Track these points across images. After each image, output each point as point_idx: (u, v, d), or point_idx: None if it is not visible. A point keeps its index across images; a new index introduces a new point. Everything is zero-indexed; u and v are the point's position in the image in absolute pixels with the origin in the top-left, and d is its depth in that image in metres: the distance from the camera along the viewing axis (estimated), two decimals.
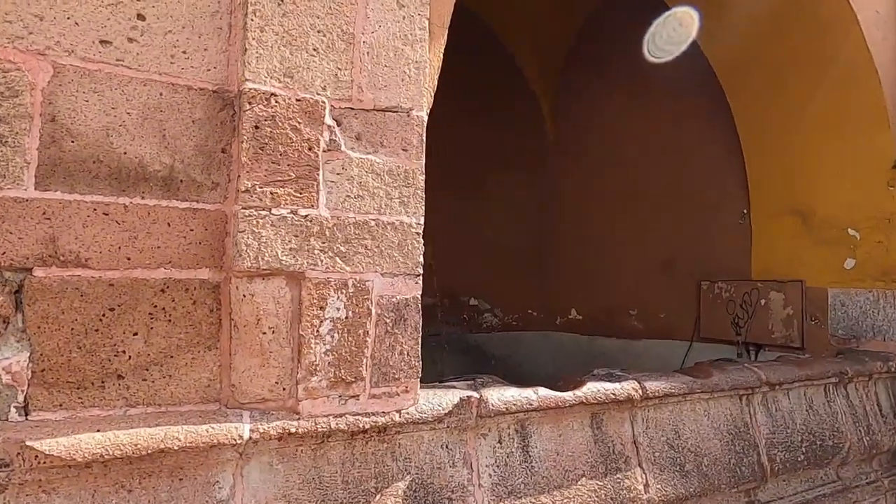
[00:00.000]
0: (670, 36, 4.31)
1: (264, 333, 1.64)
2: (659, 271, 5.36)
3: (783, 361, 3.18)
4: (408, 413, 1.83)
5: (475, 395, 2.01)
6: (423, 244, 1.91)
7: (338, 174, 1.75)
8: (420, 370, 1.87)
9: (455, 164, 5.90)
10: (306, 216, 1.69)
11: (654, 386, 2.42)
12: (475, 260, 6.02)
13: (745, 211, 4.63)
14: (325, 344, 1.71)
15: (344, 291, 1.74)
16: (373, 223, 1.80)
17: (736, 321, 4.61)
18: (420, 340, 1.88)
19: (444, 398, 1.94)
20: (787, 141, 4.23)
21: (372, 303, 1.79)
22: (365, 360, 1.77)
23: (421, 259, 1.88)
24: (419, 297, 1.87)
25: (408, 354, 1.84)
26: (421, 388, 1.97)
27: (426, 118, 1.90)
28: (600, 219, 5.94)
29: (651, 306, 5.43)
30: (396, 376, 1.82)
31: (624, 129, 5.68)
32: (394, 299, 1.82)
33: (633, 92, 5.51)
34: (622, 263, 5.71)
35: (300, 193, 1.68)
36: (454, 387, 2.05)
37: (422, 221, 1.88)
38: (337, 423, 1.71)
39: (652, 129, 5.39)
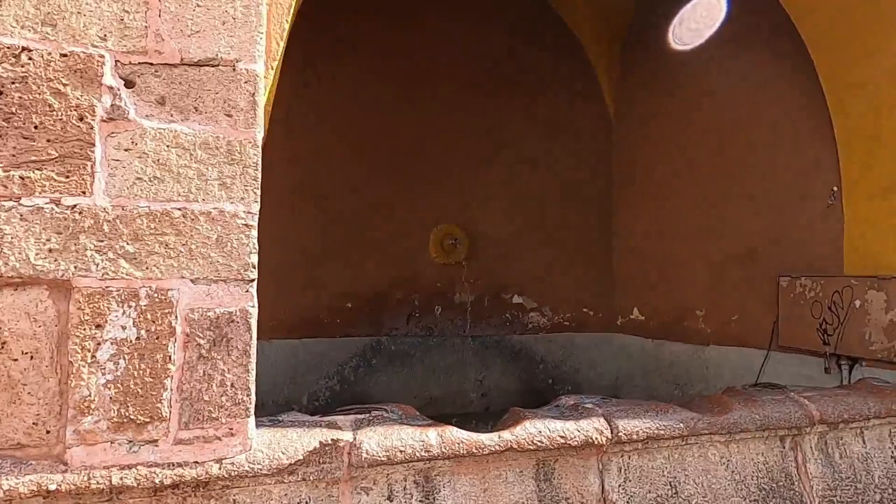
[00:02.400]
0: (699, 20, 3.52)
1: (15, 360, 1.26)
2: (732, 265, 4.47)
3: (858, 388, 2.34)
4: (232, 463, 1.38)
5: (345, 438, 1.51)
6: (255, 241, 1.44)
7: (126, 151, 1.34)
8: (252, 405, 1.42)
9: (503, 144, 5.35)
10: (74, 207, 1.29)
11: (630, 426, 1.78)
12: (519, 252, 5.42)
13: (834, 189, 3.66)
14: (104, 373, 1.30)
15: (133, 304, 1.33)
16: (178, 214, 1.36)
17: (823, 327, 3.67)
18: (253, 368, 1.42)
19: (296, 442, 1.47)
20: (891, 90, 3.24)
21: (177, 318, 1.36)
22: (167, 395, 1.35)
23: (253, 259, 1.41)
24: (252, 309, 1.41)
25: (233, 386, 1.39)
26: (273, 426, 1.52)
27: (262, 72, 1.43)
28: (666, 205, 5.10)
29: (722, 307, 4.54)
30: (215, 415, 1.38)
31: (691, 104, 4.80)
32: (211, 313, 1.38)
33: (700, 60, 4.62)
34: (690, 256, 4.85)
35: (66, 178, 1.29)
36: (319, 424, 1.56)
37: (254, 209, 1.42)
38: (124, 478, 1.30)
39: (723, 101, 4.49)
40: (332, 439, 1.50)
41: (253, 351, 1.42)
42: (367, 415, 1.67)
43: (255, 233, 1.42)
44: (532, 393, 5.44)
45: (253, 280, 1.42)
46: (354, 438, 1.52)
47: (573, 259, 5.59)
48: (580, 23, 5.55)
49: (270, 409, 4.73)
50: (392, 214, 5.08)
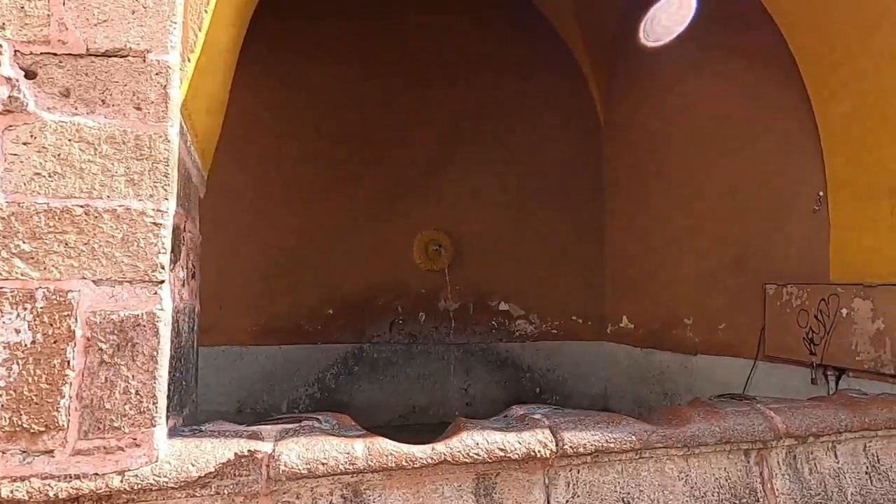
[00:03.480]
0: (671, 17, 3.46)
1: None
2: (719, 273, 4.36)
3: (832, 400, 2.23)
4: (136, 475, 1.30)
5: (264, 449, 1.43)
6: (171, 240, 1.37)
7: (24, 144, 1.27)
8: (159, 414, 1.34)
9: (490, 149, 5.28)
10: None
11: (577, 438, 1.69)
12: (506, 258, 5.33)
13: (820, 194, 3.55)
14: None
15: (28, 306, 1.26)
16: (79, 211, 1.29)
17: (810, 336, 3.55)
18: (162, 374, 1.34)
19: (209, 454, 1.39)
20: (878, 91, 3.14)
21: (77, 321, 1.28)
22: (64, 402, 1.27)
23: (162, 260, 1.34)
24: (160, 312, 1.34)
25: (138, 393, 1.32)
26: (190, 437, 1.44)
27: (175, 63, 1.37)
28: (654, 212, 5.00)
29: (709, 315, 4.43)
30: (117, 424, 1.30)
31: (676, 109, 4.72)
32: (115, 317, 1.31)
33: (684, 63, 4.54)
34: (678, 263, 4.75)
35: None
36: (241, 434, 1.48)
37: (166, 207, 1.35)
38: (15, 491, 1.23)
39: (708, 105, 4.40)
40: (248, 451, 1.42)
41: (162, 357, 1.34)
42: (297, 425, 1.59)
43: (166, 231, 1.35)
44: (518, 402, 5.29)
45: (162, 281, 1.34)
46: (274, 450, 1.44)
47: (562, 266, 5.49)
48: (569, 27, 5.49)
49: (248, 417, 4.67)
50: (375, 219, 5.01)
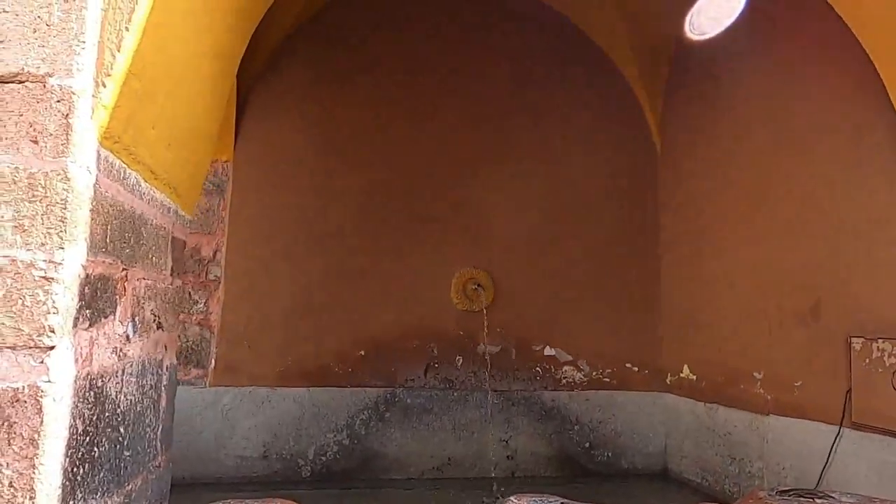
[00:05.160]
0: (719, 9, 3.09)
1: None
2: (794, 321, 3.79)
3: None
4: None
5: None
6: (74, 297, 1.14)
7: None
8: None
9: (534, 182, 4.96)
10: None
11: None
12: (551, 299, 4.93)
13: None
14: None
15: None
16: None
17: None
18: (47, 462, 1.10)
19: None
20: None
21: None
22: None
23: (52, 321, 1.11)
24: (47, 386, 1.10)
25: (12, 485, 1.08)
26: None
27: (81, 88, 1.16)
28: (717, 248, 4.49)
29: (783, 370, 3.85)
30: None
31: (742, 135, 4.24)
32: None
33: (754, 73, 4.09)
34: (745, 308, 4.20)
35: None
36: None
37: (60, 258, 1.13)
38: None
39: (781, 124, 3.91)
40: None
41: (46, 440, 1.10)
42: None
43: (60, 287, 1.13)
44: (565, 458, 4.85)
45: (51, 348, 1.11)
46: None
47: (615, 308, 5.02)
48: (622, 52, 5.14)
49: (274, 464, 4.45)
50: (410, 257, 4.77)
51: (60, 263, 1.13)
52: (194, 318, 4.37)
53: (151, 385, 1.76)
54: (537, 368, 4.93)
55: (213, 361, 4.39)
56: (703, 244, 4.63)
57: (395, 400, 4.69)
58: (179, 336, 4.30)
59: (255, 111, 4.78)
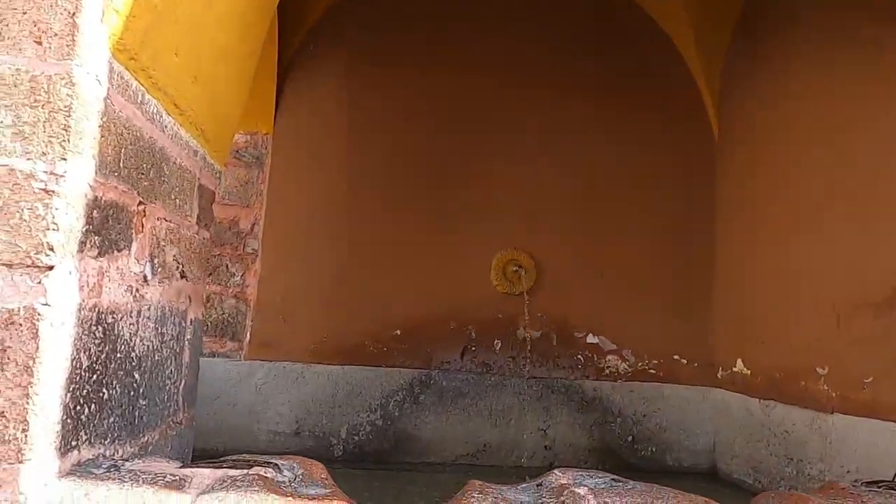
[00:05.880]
0: None
1: None
2: (865, 313, 3.47)
3: None
4: None
5: (176, 499, 1.04)
6: (79, 218, 1.04)
7: None
8: (31, 447, 0.99)
9: (581, 162, 4.73)
10: None
11: None
12: (596, 285, 4.70)
13: None
14: None
15: None
16: None
17: None
18: (41, 392, 1.00)
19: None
20: None
21: None
22: None
23: (51, 238, 1.01)
24: (44, 309, 1.00)
25: (3, 415, 0.98)
26: (83, 478, 1.08)
27: None
28: (778, 236, 4.18)
29: (851, 365, 3.53)
30: None
31: (811, 116, 3.92)
32: None
33: (821, 64, 3.76)
34: (811, 299, 3.88)
35: None
36: (159, 480, 1.10)
37: (61, 169, 1.02)
38: None
39: (849, 107, 3.58)
40: None
41: (42, 369, 1.00)
42: (242, 472, 1.19)
43: (61, 202, 1.02)
44: (606, 451, 4.62)
45: (50, 268, 1.01)
46: None
47: (664, 297, 4.75)
48: (678, 24, 4.85)
49: (307, 440, 4.39)
50: (449, 236, 4.62)
51: (62, 176, 1.02)
52: (231, 290, 4.34)
53: (173, 336, 1.67)
54: (579, 356, 4.72)
55: (248, 335, 4.35)
56: (762, 231, 4.32)
57: (431, 382, 4.56)
58: (215, 308, 4.29)
59: (296, 85, 4.72)
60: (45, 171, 1.02)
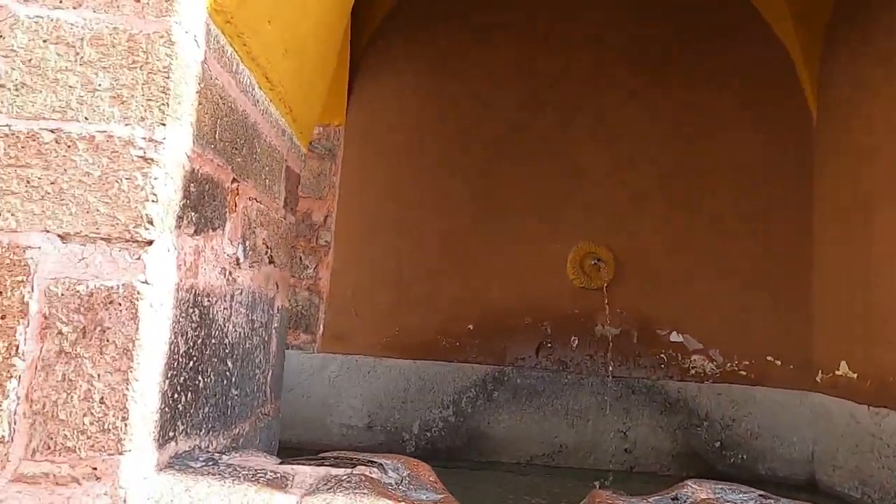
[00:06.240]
0: None
1: None
2: None
3: None
4: None
5: (280, 500, 0.94)
6: (178, 192, 0.95)
7: None
8: (130, 437, 0.91)
9: (664, 149, 4.45)
10: None
11: None
12: (680, 280, 4.41)
13: None
14: None
15: None
16: (49, 137, 0.93)
17: None
18: (141, 378, 0.92)
19: (202, 503, 0.93)
20: None
21: (33, 291, 0.91)
22: (9, 404, 0.90)
23: (150, 210, 0.93)
24: (144, 288, 0.92)
25: (102, 402, 0.91)
26: (182, 472, 1.00)
27: None
28: (886, 229, 3.78)
29: None
30: (71, 444, 0.90)
31: None
32: (82, 288, 0.92)
33: None
34: None
35: None
36: (259, 478, 1.00)
37: (160, 135, 0.94)
38: None
39: None
40: None
41: (142, 352, 0.92)
42: (347, 471, 1.08)
43: (160, 171, 0.94)
44: (691, 457, 4.33)
45: (149, 243, 0.93)
46: None
47: (755, 293, 4.41)
48: (773, 8, 4.47)
49: (378, 435, 4.34)
50: (525, 229, 4.44)
51: (161, 143, 0.94)
52: (304, 282, 4.33)
53: (262, 323, 1.59)
54: (662, 355, 4.44)
55: (321, 327, 4.34)
56: (869, 221, 3.91)
57: (504, 379, 4.41)
58: (289, 299, 4.29)
59: (368, 76, 4.66)
60: (144, 138, 0.93)
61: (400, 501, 0.98)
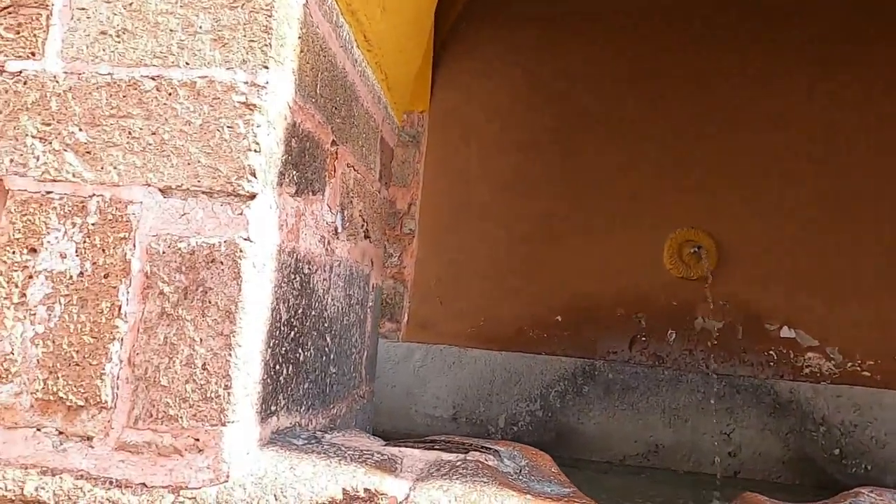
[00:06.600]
0: None
1: None
2: None
3: None
4: (194, 499, 0.82)
5: (391, 491, 0.84)
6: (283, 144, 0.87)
7: None
8: (234, 407, 0.84)
9: (774, 123, 4.06)
10: (18, 74, 0.89)
11: None
12: (792, 270, 4.02)
13: None
14: (33, 322, 0.86)
15: (79, 220, 0.87)
16: (150, 85, 0.87)
17: None
18: (245, 343, 0.85)
19: (303, 483, 0.84)
20: None
21: (135, 249, 0.86)
22: (111, 368, 0.85)
23: (253, 161, 0.85)
24: (247, 245, 0.85)
25: (204, 368, 0.83)
26: (286, 449, 0.92)
27: None
28: None
29: None
30: (174, 412, 0.83)
31: None
32: (183, 245, 0.85)
33: None
34: None
35: (16, 34, 0.89)
36: (367, 459, 0.90)
37: (262, 79, 0.86)
38: (41, 487, 0.84)
39: None
40: (367, 489, 0.84)
41: (245, 316, 0.84)
42: (460, 457, 0.96)
43: (262, 118, 0.86)
44: (804, 464, 3.93)
45: (252, 196, 0.85)
46: (409, 496, 0.83)
47: (880, 283, 3.94)
48: None
49: (464, 427, 4.24)
50: (616, 213, 4.19)
51: (264, 87, 0.85)
52: (389, 271, 4.30)
53: (358, 300, 1.51)
54: (771, 352, 4.06)
55: (405, 316, 4.29)
56: None
57: (595, 373, 4.19)
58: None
59: (452, 61, 4.56)
60: (246, 82, 0.86)
61: (524, 494, 0.85)
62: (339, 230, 1.31)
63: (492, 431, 4.18)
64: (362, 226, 1.52)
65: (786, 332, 4.07)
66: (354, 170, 1.40)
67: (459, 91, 4.53)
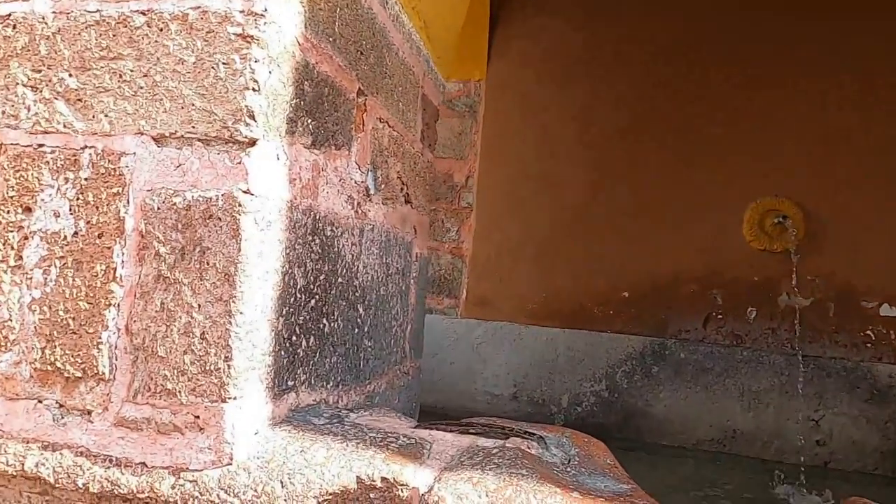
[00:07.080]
0: None
1: None
2: None
3: None
4: (194, 482, 0.73)
5: (413, 482, 0.72)
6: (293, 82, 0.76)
7: None
8: (236, 382, 0.74)
9: (868, 78, 3.63)
10: (7, 17, 0.81)
11: None
12: (891, 242, 3.60)
13: None
14: (30, 287, 0.80)
15: (71, 175, 0.79)
16: (140, 20, 0.77)
17: None
18: (246, 310, 0.75)
19: (313, 469, 0.74)
20: None
21: (130, 205, 0.77)
22: (108, 336, 0.77)
23: (251, 101, 0.74)
24: (247, 199, 0.74)
25: (203, 337, 0.74)
26: (299, 429, 0.82)
27: None
28: None
29: None
30: (171, 385, 0.75)
31: None
32: (179, 199, 0.76)
33: None
34: None
35: None
36: (391, 443, 0.79)
37: (261, 7, 0.74)
38: (42, 463, 0.78)
39: None
40: (385, 478, 0.72)
41: (247, 279, 0.74)
42: (498, 443, 0.83)
43: (260, 52, 0.74)
44: None
45: (251, 142, 0.74)
46: (432, 488, 0.72)
47: None
48: None
49: (525, 406, 4.11)
50: (690, 183, 3.87)
51: (262, 15, 0.74)
52: (447, 246, 4.19)
53: (398, 269, 1.40)
54: (868, 332, 3.66)
55: (464, 292, 4.18)
56: None
57: (665, 353, 3.94)
58: (432, 264, 4.18)
59: (508, 26, 4.33)
60: (242, 11, 0.74)
61: (570, 491, 0.72)
62: (372, 191, 1.19)
63: (554, 412, 4.02)
64: (402, 189, 1.40)
65: (886, 311, 3.66)
66: (389, 126, 1.27)
67: (517, 57, 4.30)
